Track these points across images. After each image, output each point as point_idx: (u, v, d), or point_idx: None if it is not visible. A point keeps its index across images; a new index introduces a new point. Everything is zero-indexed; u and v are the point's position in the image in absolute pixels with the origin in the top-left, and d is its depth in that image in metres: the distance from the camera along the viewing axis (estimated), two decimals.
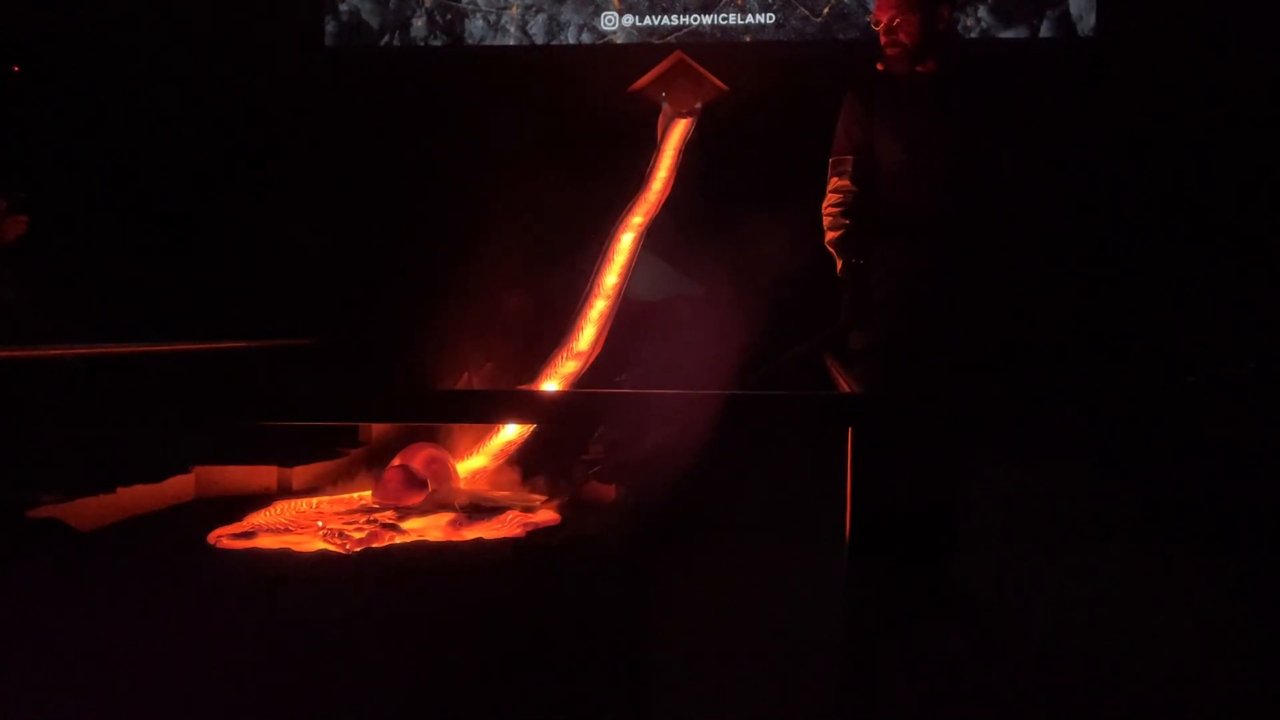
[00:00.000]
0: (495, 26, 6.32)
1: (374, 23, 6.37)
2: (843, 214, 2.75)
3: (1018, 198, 2.74)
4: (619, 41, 6.23)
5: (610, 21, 6.23)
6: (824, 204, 2.82)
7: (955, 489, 2.72)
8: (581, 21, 6.27)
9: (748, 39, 6.18)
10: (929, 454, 2.67)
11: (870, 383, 2.64)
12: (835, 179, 2.79)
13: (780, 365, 3.14)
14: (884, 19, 2.69)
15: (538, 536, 2.94)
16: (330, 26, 6.35)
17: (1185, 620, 2.69)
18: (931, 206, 2.66)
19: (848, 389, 2.43)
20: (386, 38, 6.34)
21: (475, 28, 6.34)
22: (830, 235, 2.78)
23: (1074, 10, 6.01)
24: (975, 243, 2.67)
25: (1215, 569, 3.10)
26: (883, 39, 2.72)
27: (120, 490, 2.99)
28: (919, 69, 2.70)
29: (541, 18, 6.29)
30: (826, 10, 6.13)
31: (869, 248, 2.75)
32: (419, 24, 6.36)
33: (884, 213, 2.73)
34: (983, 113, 2.68)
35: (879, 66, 2.77)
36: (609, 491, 3.39)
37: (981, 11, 6.06)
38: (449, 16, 6.30)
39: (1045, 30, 6.05)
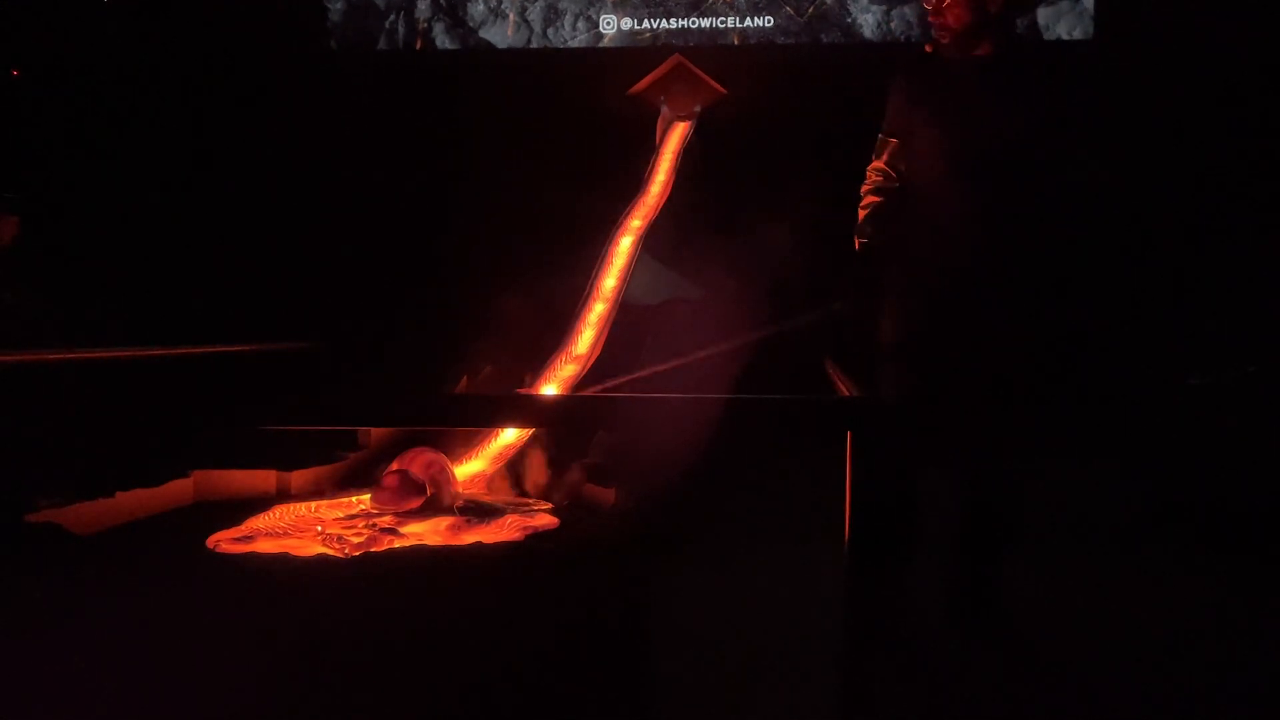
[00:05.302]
0: (495, 11, 6.41)
1: (380, 2, 6.45)
2: (873, 193, 2.70)
3: (1068, 191, 2.61)
4: (610, 44, 6.28)
5: (608, 24, 6.27)
6: (862, 186, 2.74)
7: (1007, 496, 2.62)
8: (578, 10, 6.34)
9: (735, 41, 6.21)
10: (979, 462, 2.59)
11: (895, 382, 2.59)
12: (875, 160, 2.71)
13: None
14: (932, 0, 2.57)
15: (537, 540, 2.94)
16: (338, 4, 6.42)
17: (1185, 620, 2.69)
18: (971, 196, 2.53)
19: (847, 393, 2.42)
20: (391, 17, 6.43)
21: (476, 11, 6.43)
22: (861, 214, 2.72)
23: (1041, 20, 6.10)
24: (1014, 236, 2.55)
25: (1216, 570, 3.11)
26: (931, 20, 2.59)
27: (119, 495, 2.99)
28: (973, 53, 2.56)
29: (540, 4, 6.37)
30: (811, 9, 6.17)
31: (887, 230, 2.68)
32: (423, 5, 6.46)
33: (921, 201, 2.63)
34: (1034, 102, 2.54)
35: (927, 48, 2.65)
36: (608, 495, 3.39)
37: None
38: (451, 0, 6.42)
39: None
